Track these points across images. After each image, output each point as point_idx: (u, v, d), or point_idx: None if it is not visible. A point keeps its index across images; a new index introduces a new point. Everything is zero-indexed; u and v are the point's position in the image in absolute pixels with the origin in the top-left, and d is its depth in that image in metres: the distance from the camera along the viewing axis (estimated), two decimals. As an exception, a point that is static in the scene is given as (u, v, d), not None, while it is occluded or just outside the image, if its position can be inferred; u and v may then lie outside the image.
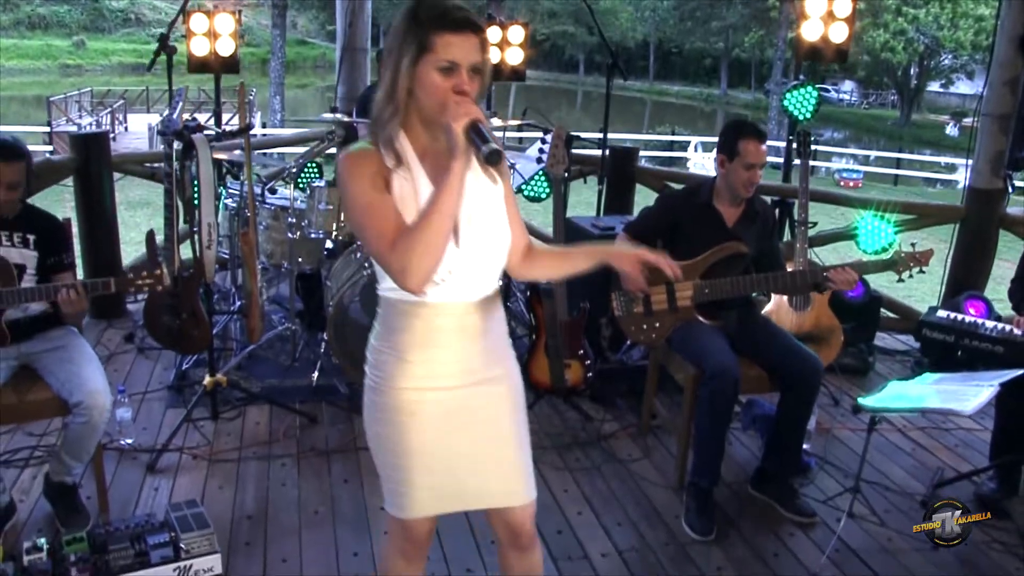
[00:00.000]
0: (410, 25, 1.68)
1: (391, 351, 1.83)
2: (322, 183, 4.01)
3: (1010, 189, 4.53)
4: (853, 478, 3.34)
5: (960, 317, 3.29)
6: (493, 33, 5.35)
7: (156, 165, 4.99)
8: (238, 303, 4.40)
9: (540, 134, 4.70)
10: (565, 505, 3.22)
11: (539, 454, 3.56)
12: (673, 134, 23.38)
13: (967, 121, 37.19)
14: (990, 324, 3.22)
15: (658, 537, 3.03)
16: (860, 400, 2.79)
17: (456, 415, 1.86)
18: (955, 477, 3.44)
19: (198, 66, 4.93)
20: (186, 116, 4.32)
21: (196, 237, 3.32)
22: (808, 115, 4.79)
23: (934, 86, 41.02)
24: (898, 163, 21.30)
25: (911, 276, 3.19)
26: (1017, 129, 4.33)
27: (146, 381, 4.01)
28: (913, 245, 3.20)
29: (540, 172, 4.86)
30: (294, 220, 4.00)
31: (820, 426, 3.90)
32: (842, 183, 19.96)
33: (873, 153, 21.27)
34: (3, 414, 2.76)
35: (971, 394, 2.62)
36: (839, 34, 4.50)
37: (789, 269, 3.44)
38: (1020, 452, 3.31)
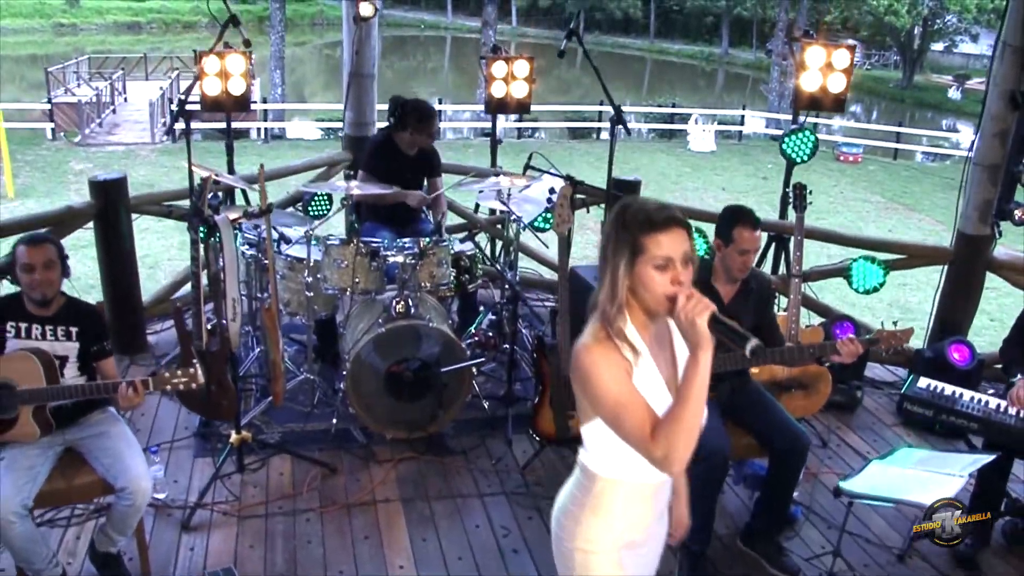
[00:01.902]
0: (620, 231, 1.83)
1: (603, 522, 1.99)
2: (336, 241, 4.18)
3: (997, 236, 4.71)
4: (837, 529, 3.63)
5: (940, 389, 3.50)
6: (498, 67, 5.48)
7: (173, 203, 5.14)
8: (257, 349, 4.60)
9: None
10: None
11: (545, 505, 3.82)
12: (674, 106, 23.33)
13: (970, 84, 37.08)
14: (968, 397, 3.44)
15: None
16: (841, 484, 3.03)
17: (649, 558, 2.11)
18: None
19: (211, 105, 5.05)
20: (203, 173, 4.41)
21: (221, 311, 3.51)
22: (805, 158, 4.95)
23: (938, 46, 40.69)
24: (898, 137, 21.25)
25: (892, 352, 3.40)
26: (1005, 181, 4.50)
27: (172, 426, 4.24)
28: (895, 324, 3.40)
29: (545, 211, 5.01)
30: (311, 279, 4.18)
31: (807, 471, 4.14)
32: (841, 157, 20.03)
33: (872, 127, 21.22)
34: (54, 497, 3.00)
35: (944, 483, 2.85)
36: (837, 84, 4.63)
37: (788, 343, 3.63)
38: (995, 511, 3.57)
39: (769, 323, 3.61)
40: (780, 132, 21.96)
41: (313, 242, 4.25)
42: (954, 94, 36.35)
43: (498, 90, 5.49)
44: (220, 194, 4.67)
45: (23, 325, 3.01)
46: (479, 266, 4.63)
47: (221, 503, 3.68)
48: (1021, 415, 3.35)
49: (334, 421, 4.23)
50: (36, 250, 2.94)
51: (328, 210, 5.83)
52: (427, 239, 4.31)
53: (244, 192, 5.41)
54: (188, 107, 4.14)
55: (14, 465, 2.88)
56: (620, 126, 4.38)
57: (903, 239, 5.44)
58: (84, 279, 7.29)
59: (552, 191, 4.38)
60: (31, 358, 2.90)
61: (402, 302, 4.08)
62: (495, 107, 5.58)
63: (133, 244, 4.92)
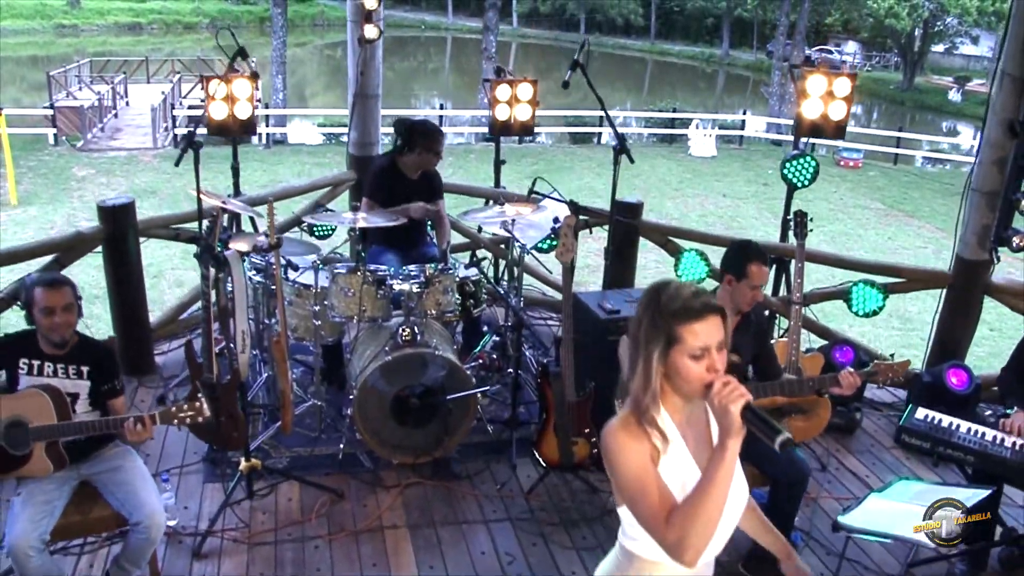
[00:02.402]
0: (654, 320, 1.80)
1: None
2: (343, 269, 4.23)
3: (995, 261, 4.77)
4: (836, 555, 3.71)
5: (937, 421, 3.56)
6: (503, 91, 5.54)
7: (181, 226, 5.20)
8: (265, 374, 4.66)
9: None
10: (573, 590, 3.54)
11: (550, 531, 3.90)
12: (675, 111, 23.37)
13: (970, 86, 37.13)
14: (964, 429, 3.50)
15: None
16: (840, 519, 3.10)
17: None
18: (928, 558, 3.76)
19: (217, 129, 5.12)
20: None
21: (232, 344, 3.57)
22: (806, 183, 5.01)
23: (938, 48, 40.74)
24: (898, 142, 21.31)
25: (889, 383, 3.48)
26: (1003, 208, 4.56)
27: (181, 451, 4.29)
28: (892, 356, 3.47)
29: (548, 237, 5.06)
30: (318, 307, 4.24)
31: (806, 495, 4.20)
32: (842, 163, 20.09)
33: (872, 131, 21.29)
34: (70, 531, 3.06)
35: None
36: (838, 112, 4.70)
37: (787, 374, 3.70)
38: (990, 539, 3.64)
39: (768, 353, 3.68)
40: (781, 137, 21.91)
41: (320, 268, 4.31)
42: (954, 96, 36.40)
43: (502, 113, 5.55)
44: (228, 220, 4.72)
45: (36, 363, 3.07)
46: (484, 291, 4.69)
47: (231, 530, 3.73)
48: (1016, 447, 3.41)
49: (341, 446, 4.29)
50: (56, 294, 3.00)
51: (333, 229, 5.91)
52: (433, 266, 4.37)
53: (251, 218, 5.47)
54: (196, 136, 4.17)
55: (31, 500, 2.94)
56: (624, 155, 4.43)
57: (902, 262, 5.48)
58: (89, 288, 7.34)
59: (556, 220, 4.44)
60: (43, 395, 2.96)
61: (408, 330, 4.14)
62: (499, 130, 5.64)
63: (141, 268, 4.97)
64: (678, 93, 39.42)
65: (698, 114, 23.17)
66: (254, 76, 4.63)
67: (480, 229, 6.07)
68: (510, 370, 4.70)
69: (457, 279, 4.44)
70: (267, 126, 18.98)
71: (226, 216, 4.66)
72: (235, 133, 5.21)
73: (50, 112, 18.21)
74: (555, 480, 4.26)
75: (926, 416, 3.61)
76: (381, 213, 4.37)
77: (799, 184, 5.01)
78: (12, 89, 25.72)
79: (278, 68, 19.99)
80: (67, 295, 3.06)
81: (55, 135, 18.02)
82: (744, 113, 23.67)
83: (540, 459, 4.20)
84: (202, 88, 5.08)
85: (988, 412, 4.88)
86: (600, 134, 21.45)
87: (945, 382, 4.63)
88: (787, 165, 4.99)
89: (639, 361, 1.83)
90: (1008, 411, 3.64)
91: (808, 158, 4.96)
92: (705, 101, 38.80)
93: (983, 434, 3.49)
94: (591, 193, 15.96)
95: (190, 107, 20.11)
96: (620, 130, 5.05)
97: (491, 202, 6.07)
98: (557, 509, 4.07)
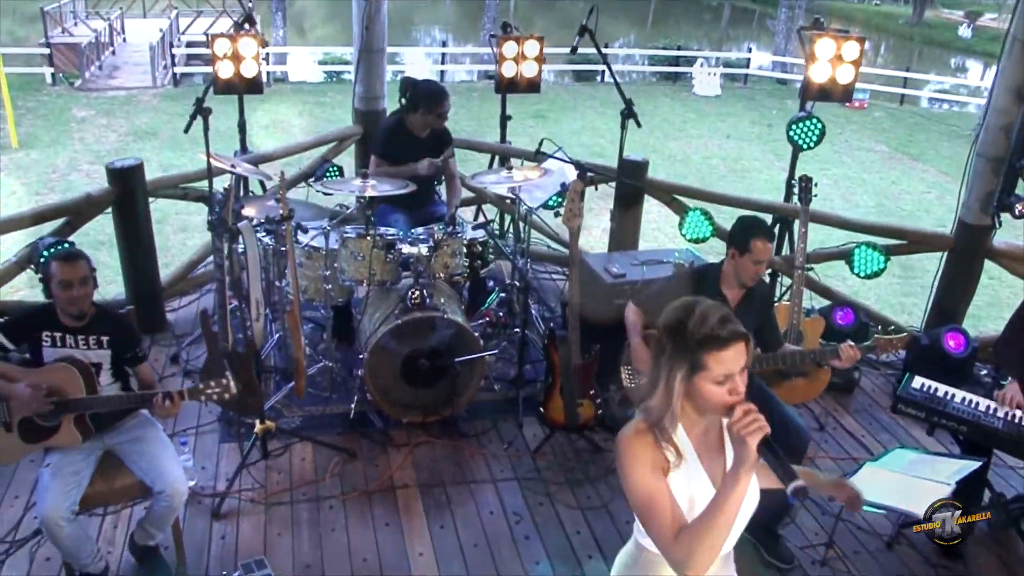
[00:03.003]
0: (679, 343, 1.80)
1: None
2: (353, 233, 4.28)
3: (997, 226, 4.81)
4: (831, 516, 3.86)
5: (933, 390, 3.66)
6: (509, 48, 5.50)
7: (190, 185, 5.22)
8: (276, 334, 4.75)
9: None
10: (578, 548, 3.70)
11: (555, 491, 4.04)
12: (679, 49, 22.96)
13: (981, 21, 36.34)
14: (959, 399, 3.60)
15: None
16: (837, 489, 3.21)
17: None
18: (919, 520, 3.91)
19: (223, 87, 5.11)
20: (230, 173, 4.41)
21: (246, 313, 3.65)
22: (812, 145, 5.02)
23: (950, -24, 39.81)
24: (905, 82, 21.00)
25: (888, 357, 3.57)
26: (1008, 174, 4.58)
27: (196, 412, 4.41)
28: (891, 329, 3.55)
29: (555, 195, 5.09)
30: (328, 272, 4.30)
31: (804, 456, 4.35)
32: (847, 104, 19.81)
33: (879, 71, 20.96)
34: (96, 499, 3.19)
35: (932, 491, 3.04)
36: (846, 75, 4.68)
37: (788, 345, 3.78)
38: (977, 503, 3.78)
39: (770, 325, 3.75)
40: (786, 76, 21.58)
41: (330, 231, 4.36)
42: (964, 32, 35.65)
43: (508, 70, 5.52)
44: (236, 181, 4.75)
45: (57, 335, 3.15)
46: (491, 252, 4.74)
47: (248, 490, 3.88)
48: (1008, 417, 3.52)
49: (352, 406, 4.40)
50: (72, 267, 3.06)
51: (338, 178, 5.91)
52: (441, 228, 4.42)
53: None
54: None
55: (60, 471, 3.06)
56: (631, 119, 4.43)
57: (904, 207, 5.51)
58: (95, 234, 7.38)
59: (564, 185, 4.47)
60: (71, 368, 3.05)
61: (417, 292, 4.21)
62: (505, 87, 5.61)
63: (151, 229, 5.02)
64: (682, 27, 38.72)
65: (703, 52, 22.77)
66: (263, 44, 4.60)
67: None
68: (516, 329, 4.79)
69: (465, 241, 4.50)
70: (268, 64, 18.71)
71: (234, 169, 4.67)
72: (242, 92, 5.19)
73: (46, 51, 17.89)
74: (560, 440, 4.39)
75: (922, 385, 3.71)
76: (390, 180, 4.39)
77: (805, 146, 5.02)
78: (6, 21, 25.20)
79: (277, 4, 19.59)
80: (83, 268, 3.12)
81: (52, 74, 17.78)
82: (749, 51, 23.26)
83: (546, 421, 4.32)
84: (208, 46, 5.04)
85: (984, 372, 5.01)
86: (603, 72, 21.11)
87: (943, 345, 4.71)
88: (793, 127, 4.99)
89: (660, 380, 1.84)
90: (1003, 382, 3.74)
91: (814, 120, 4.95)
92: (710, 34, 38.12)
93: (976, 404, 3.60)
94: (594, 133, 15.87)
95: (188, 44, 19.79)
96: (624, 67, 5.02)
97: (498, 161, 6.08)
98: (563, 468, 4.21)
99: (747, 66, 22.18)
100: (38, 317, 3.17)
